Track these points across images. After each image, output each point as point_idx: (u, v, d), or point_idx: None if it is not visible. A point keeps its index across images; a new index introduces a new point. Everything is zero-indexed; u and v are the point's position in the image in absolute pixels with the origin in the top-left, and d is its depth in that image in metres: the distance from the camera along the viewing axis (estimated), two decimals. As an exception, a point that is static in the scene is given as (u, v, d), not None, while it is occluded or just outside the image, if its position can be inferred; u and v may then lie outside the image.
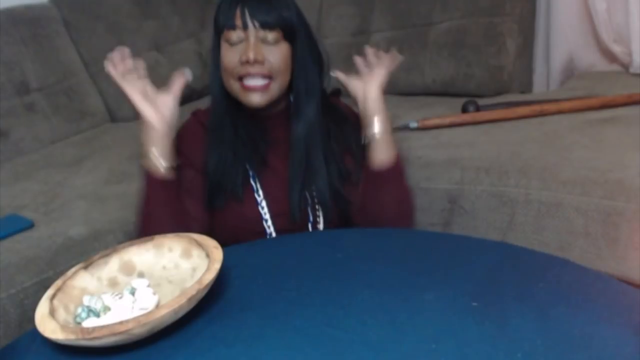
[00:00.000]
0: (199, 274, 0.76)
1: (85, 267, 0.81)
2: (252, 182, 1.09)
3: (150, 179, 1.00)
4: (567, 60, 1.88)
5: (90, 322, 0.72)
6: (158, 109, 0.99)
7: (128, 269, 0.83)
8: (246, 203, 1.08)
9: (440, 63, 1.82)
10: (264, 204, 1.08)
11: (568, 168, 1.20)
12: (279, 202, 1.08)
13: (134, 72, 0.99)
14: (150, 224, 1.00)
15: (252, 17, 1.02)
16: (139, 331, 0.67)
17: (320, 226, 1.11)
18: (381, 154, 1.07)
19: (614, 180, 1.13)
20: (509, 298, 0.72)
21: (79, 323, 0.73)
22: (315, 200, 1.09)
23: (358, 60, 1.09)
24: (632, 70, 1.72)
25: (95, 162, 1.59)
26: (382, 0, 1.99)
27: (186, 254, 0.82)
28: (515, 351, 0.62)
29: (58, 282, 0.78)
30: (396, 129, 1.42)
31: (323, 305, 0.74)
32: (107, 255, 0.83)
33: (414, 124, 1.49)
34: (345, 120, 1.15)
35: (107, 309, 0.75)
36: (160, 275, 0.83)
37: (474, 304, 0.71)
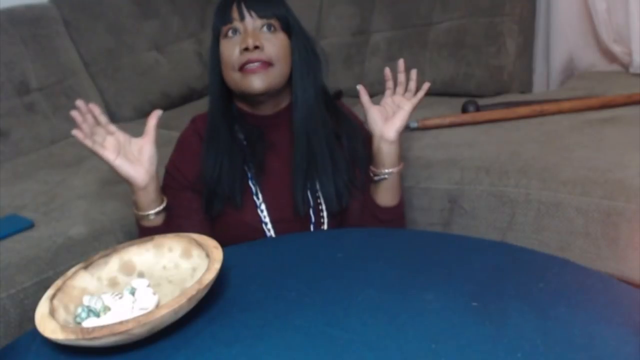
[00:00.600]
0: (199, 274, 0.76)
1: (85, 267, 0.81)
2: (250, 184, 1.08)
3: (142, 228, 1.02)
4: (567, 60, 1.88)
5: (90, 322, 0.72)
6: (136, 161, 0.98)
7: (128, 269, 0.83)
8: (245, 207, 1.07)
9: (440, 63, 1.82)
10: (263, 207, 1.08)
11: (568, 168, 1.20)
12: (280, 208, 1.08)
13: (99, 127, 0.97)
14: None
15: (249, 8, 1.04)
16: (139, 331, 0.67)
17: (325, 227, 1.11)
18: (386, 196, 1.10)
19: (614, 180, 1.13)
20: (509, 298, 0.72)
21: (79, 323, 0.73)
22: (318, 195, 1.09)
23: (388, 82, 1.08)
24: (632, 70, 1.72)
25: (95, 162, 1.58)
26: (382, 0, 1.99)
27: (186, 254, 0.82)
28: (515, 351, 0.62)
29: (58, 282, 0.78)
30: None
31: (323, 305, 0.74)
32: (107, 255, 0.83)
33: (414, 124, 1.49)
34: (351, 126, 1.15)
35: (107, 309, 0.75)
36: (160, 275, 0.83)
37: (474, 304, 0.71)
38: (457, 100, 1.62)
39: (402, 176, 1.12)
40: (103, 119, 0.97)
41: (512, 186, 1.23)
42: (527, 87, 1.86)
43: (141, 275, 0.83)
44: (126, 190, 1.02)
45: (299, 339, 0.68)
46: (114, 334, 0.66)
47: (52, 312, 0.71)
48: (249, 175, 1.09)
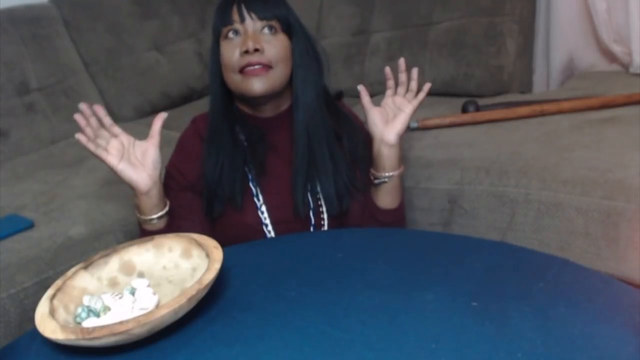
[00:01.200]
0: (199, 274, 0.76)
1: (85, 267, 0.81)
2: (251, 185, 1.08)
3: (144, 231, 1.02)
4: (567, 60, 1.88)
5: (90, 322, 0.72)
6: (140, 165, 0.97)
7: (128, 269, 0.83)
8: (245, 209, 1.07)
9: (440, 63, 1.82)
10: (263, 208, 1.08)
11: (568, 168, 1.20)
12: (280, 208, 1.07)
13: (103, 129, 0.96)
14: None
15: (249, 10, 1.03)
16: (139, 331, 0.67)
17: (325, 229, 1.10)
18: (387, 199, 1.10)
19: (614, 180, 1.13)
20: (509, 298, 0.72)
21: (79, 323, 0.73)
22: (319, 196, 1.08)
23: (389, 82, 1.08)
24: (632, 70, 1.71)
25: (95, 162, 1.57)
26: (382, 0, 1.99)
27: (186, 254, 0.82)
28: (515, 351, 0.62)
29: (58, 282, 0.78)
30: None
31: (323, 305, 0.74)
32: (107, 255, 0.83)
33: (414, 124, 1.49)
34: (352, 126, 1.14)
35: (107, 309, 0.75)
36: (160, 275, 0.83)
37: (474, 304, 0.71)
38: (457, 100, 1.62)
39: (402, 178, 1.12)
40: (107, 120, 0.97)
41: (512, 186, 1.23)
42: (527, 87, 1.86)
43: (141, 275, 0.83)
44: (126, 190, 1.02)
45: (299, 339, 0.68)
46: (114, 334, 0.66)
47: (52, 312, 0.71)
48: (250, 176, 1.08)
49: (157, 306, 0.74)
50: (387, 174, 1.08)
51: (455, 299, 0.73)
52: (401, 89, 1.07)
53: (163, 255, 0.84)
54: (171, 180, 1.10)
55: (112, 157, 0.95)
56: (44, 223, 1.26)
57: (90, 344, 0.67)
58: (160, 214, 1.00)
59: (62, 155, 1.67)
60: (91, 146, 0.94)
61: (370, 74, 1.94)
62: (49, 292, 0.76)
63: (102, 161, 0.95)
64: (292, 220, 1.07)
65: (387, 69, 1.07)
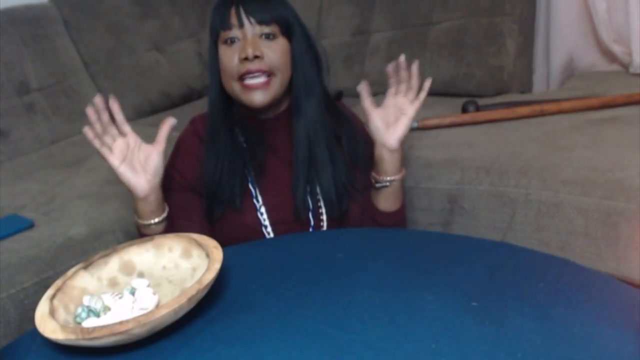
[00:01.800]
0: (199, 274, 0.76)
1: (85, 267, 0.81)
2: (250, 186, 1.08)
3: (143, 234, 1.02)
4: (567, 60, 1.88)
5: (90, 322, 0.72)
6: (141, 169, 0.96)
7: (128, 269, 0.83)
8: (245, 210, 1.07)
9: (440, 63, 1.82)
10: (263, 209, 1.07)
11: (568, 168, 1.20)
12: (279, 209, 1.07)
13: (113, 126, 0.95)
14: None
15: (248, 14, 1.01)
16: (139, 331, 0.67)
17: (324, 229, 1.10)
18: (387, 202, 1.10)
19: (614, 180, 1.13)
20: (509, 298, 0.72)
21: (79, 323, 0.73)
22: (318, 198, 1.08)
23: (391, 80, 1.06)
24: (632, 70, 1.72)
25: (95, 162, 1.59)
26: (382, 0, 1.99)
27: (186, 254, 0.82)
28: (515, 351, 0.62)
29: (58, 282, 0.78)
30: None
31: (323, 305, 0.74)
32: (107, 255, 0.83)
33: (414, 124, 1.49)
34: (352, 127, 1.14)
35: (107, 309, 0.75)
36: (160, 275, 0.83)
37: (474, 304, 0.71)
38: (457, 100, 1.62)
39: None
40: (120, 117, 0.96)
41: (512, 186, 1.23)
42: (527, 87, 1.86)
43: (141, 275, 0.83)
44: (126, 190, 1.01)
45: (299, 339, 0.68)
46: (114, 334, 0.66)
47: (52, 312, 0.71)
48: (249, 177, 1.08)
49: (157, 306, 0.74)
50: (388, 178, 1.08)
51: (455, 299, 0.73)
52: (403, 87, 1.07)
53: (163, 255, 0.84)
54: (170, 180, 1.10)
55: (115, 158, 0.95)
56: (44, 223, 1.25)
57: (90, 344, 0.67)
58: (157, 219, 1.00)
59: (62, 155, 1.67)
60: (97, 143, 0.93)
61: (370, 74, 1.93)
62: (49, 292, 0.76)
63: (104, 160, 0.95)
64: (291, 221, 1.07)
65: (389, 67, 1.05)
